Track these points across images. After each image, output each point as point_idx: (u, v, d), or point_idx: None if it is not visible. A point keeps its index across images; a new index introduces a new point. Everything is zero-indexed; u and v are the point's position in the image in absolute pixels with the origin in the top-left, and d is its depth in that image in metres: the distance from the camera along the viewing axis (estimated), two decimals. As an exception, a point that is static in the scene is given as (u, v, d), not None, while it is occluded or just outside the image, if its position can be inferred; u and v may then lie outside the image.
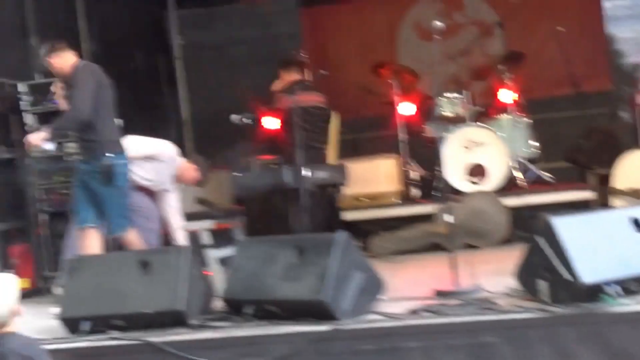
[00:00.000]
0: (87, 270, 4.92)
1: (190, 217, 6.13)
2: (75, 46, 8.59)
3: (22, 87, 7.36)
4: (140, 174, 6.13)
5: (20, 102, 7.36)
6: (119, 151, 5.60)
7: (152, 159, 6.19)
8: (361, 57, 10.43)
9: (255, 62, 10.93)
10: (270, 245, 4.70)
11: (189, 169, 6.38)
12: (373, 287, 4.51)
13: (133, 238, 5.69)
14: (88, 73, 5.57)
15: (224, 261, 5.93)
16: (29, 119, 7.36)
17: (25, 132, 7.20)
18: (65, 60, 5.68)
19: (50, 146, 5.60)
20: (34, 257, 7.29)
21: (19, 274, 6.79)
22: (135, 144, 5.98)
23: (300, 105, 7.63)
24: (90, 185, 5.55)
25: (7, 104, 7.31)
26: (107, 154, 5.48)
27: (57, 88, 5.99)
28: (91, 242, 5.64)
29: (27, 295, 6.79)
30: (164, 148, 6.37)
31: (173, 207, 6.30)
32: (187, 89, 11.19)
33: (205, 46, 11.26)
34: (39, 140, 5.49)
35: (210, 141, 10.45)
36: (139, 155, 5.98)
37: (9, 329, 3.57)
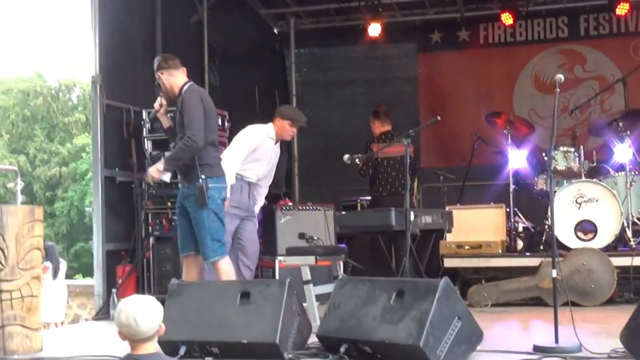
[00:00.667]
0: (187, 296, 4.98)
1: (291, 251, 6.14)
2: (199, 77, 9.04)
3: (144, 114, 7.60)
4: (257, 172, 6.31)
5: (143, 129, 7.60)
6: (216, 175, 5.57)
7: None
8: (477, 104, 10.35)
9: (369, 103, 10.98)
10: (371, 286, 4.64)
11: (284, 126, 6.45)
12: (471, 337, 4.39)
13: (226, 266, 5.62)
14: (197, 100, 5.53)
15: (321, 298, 5.91)
16: (148, 145, 7.59)
17: (144, 157, 7.46)
18: (176, 79, 5.68)
19: (167, 177, 5.63)
20: (138, 278, 7.47)
21: (121, 293, 6.99)
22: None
23: (390, 155, 7.71)
24: (188, 210, 5.57)
25: (130, 129, 7.56)
26: (202, 177, 5.46)
27: (159, 104, 5.92)
28: (190, 270, 5.67)
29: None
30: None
31: (262, 195, 6.51)
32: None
33: (320, 84, 11.44)
34: (157, 172, 5.55)
35: (318, 177, 10.56)
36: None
37: (153, 345, 3.67)
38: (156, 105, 5.77)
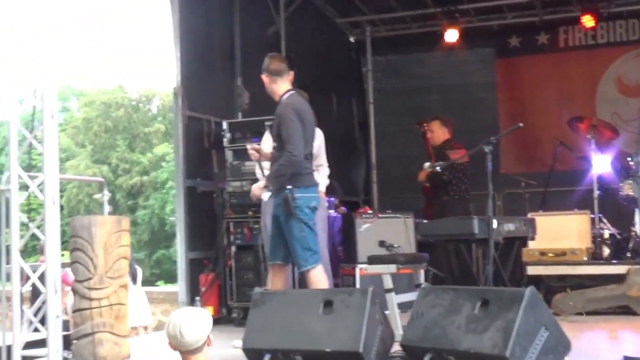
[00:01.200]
0: (271, 305, 5.01)
1: (372, 260, 6.12)
2: None
3: (225, 124, 7.70)
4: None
5: (223, 139, 7.69)
6: (305, 185, 5.52)
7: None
8: (558, 109, 10.16)
9: (446, 109, 10.90)
10: (454, 295, 4.59)
11: None
12: (558, 347, 4.29)
13: (318, 275, 5.58)
14: (292, 113, 5.47)
15: (402, 306, 5.88)
16: (228, 154, 7.68)
17: (224, 167, 7.55)
18: (278, 87, 5.62)
19: (266, 196, 5.59)
20: (220, 286, 7.55)
21: (205, 301, 7.09)
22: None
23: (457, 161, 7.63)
24: (279, 219, 5.58)
25: (211, 139, 7.67)
26: (288, 187, 5.42)
27: (255, 150, 5.94)
28: (275, 279, 5.67)
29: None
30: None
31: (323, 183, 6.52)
32: (376, 133, 11.31)
33: (397, 92, 11.40)
34: (259, 190, 5.61)
35: (396, 185, 10.52)
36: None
37: (202, 356, 3.71)
38: (251, 153, 5.74)
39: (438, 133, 8.25)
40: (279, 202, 5.48)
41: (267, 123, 6.87)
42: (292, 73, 5.68)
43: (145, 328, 10.51)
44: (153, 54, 57.89)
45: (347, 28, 11.20)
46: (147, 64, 59.93)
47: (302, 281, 6.43)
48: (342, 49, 11.21)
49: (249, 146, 5.82)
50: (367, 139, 11.29)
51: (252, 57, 8.45)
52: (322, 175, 6.58)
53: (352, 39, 11.37)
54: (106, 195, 6.16)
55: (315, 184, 5.65)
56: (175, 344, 3.69)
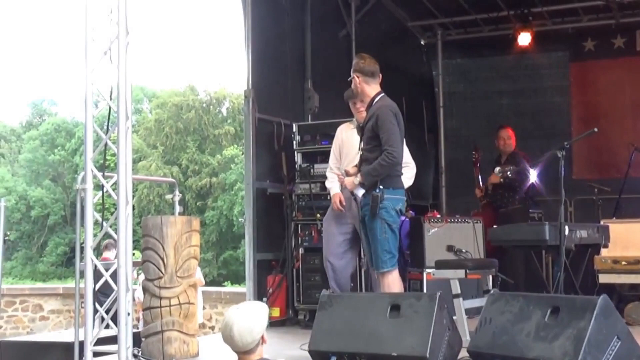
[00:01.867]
0: (337, 307, 5.03)
1: (440, 265, 6.09)
2: (347, 72, 9.13)
3: (295, 127, 7.75)
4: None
5: (293, 141, 7.75)
6: (394, 187, 5.50)
7: None
8: (633, 115, 9.95)
9: (518, 114, 10.81)
10: (524, 301, 4.53)
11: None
12: (632, 358, 4.20)
13: (394, 279, 5.55)
14: (392, 115, 5.47)
15: (470, 311, 5.83)
16: (298, 157, 7.73)
17: (294, 170, 7.61)
18: (370, 88, 5.62)
19: (361, 192, 5.52)
20: (287, 288, 7.60)
21: (272, 302, 7.14)
22: None
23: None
24: (364, 219, 5.55)
25: (281, 142, 7.73)
26: (380, 187, 5.41)
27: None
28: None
29: (276, 323, 7.12)
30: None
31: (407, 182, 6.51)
32: (445, 137, 11.24)
33: (468, 95, 11.31)
34: (353, 184, 5.51)
35: (465, 189, 10.40)
36: None
37: (256, 356, 3.70)
38: (348, 181, 5.67)
39: (512, 139, 8.31)
40: (368, 201, 5.45)
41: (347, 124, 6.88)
42: (381, 76, 5.69)
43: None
44: (224, 54, 58.68)
45: (419, 31, 11.16)
46: (218, 64, 60.72)
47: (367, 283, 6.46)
48: (412, 52, 11.17)
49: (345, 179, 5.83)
50: (437, 142, 11.23)
51: (322, 60, 8.51)
52: (407, 175, 6.56)
53: (423, 42, 11.32)
54: (177, 196, 6.29)
55: (403, 187, 5.65)
56: (228, 344, 3.69)
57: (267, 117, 7.66)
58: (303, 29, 8.39)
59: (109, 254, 10.08)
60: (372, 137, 5.51)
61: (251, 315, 3.70)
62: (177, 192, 6.53)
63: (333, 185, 6.55)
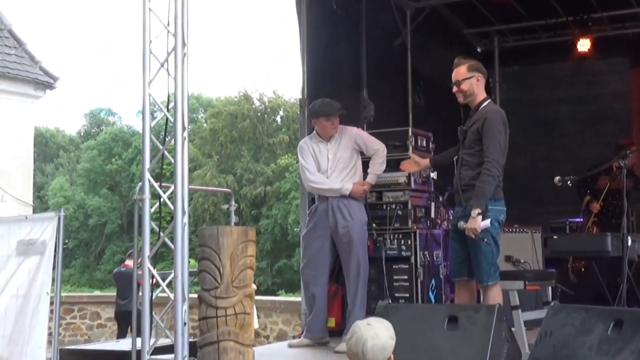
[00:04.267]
0: (394, 319, 4.97)
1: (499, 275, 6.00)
2: (404, 99, 9.12)
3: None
4: None
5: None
6: (495, 197, 5.37)
7: None
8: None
9: (576, 121, 10.65)
10: (585, 314, 4.44)
11: (321, 124, 6.71)
12: (698, 374, 4.09)
13: (498, 292, 5.43)
14: (502, 123, 5.35)
15: (528, 324, 5.74)
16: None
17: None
18: (480, 89, 5.50)
19: (487, 222, 5.27)
20: (343, 298, 7.56)
21: (328, 312, 7.12)
22: None
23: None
24: (462, 233, 5.37)
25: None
26: None
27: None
28: (462, 295, 5.58)
29: (332, 334, 7.09)
30: None
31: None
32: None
33: (525, 103, 11.18)
34: (477, 223, 5.22)
35: (523, 198, 10.26)
36: None
37: None
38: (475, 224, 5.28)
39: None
40: (469, 213, 5.29)
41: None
42: None
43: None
44: (279, 61, 59.06)
45: (475, 38, 11.07)
46: (274, 72, 61.12)
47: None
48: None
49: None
50: (494, 151, 11.14)
51: (377, 69, 8.50)
52: (378, 161, 6.74)
53: (479, 50, 11.23)
54: (233, 206, 6.31)
55: (503, 197, 5.49)
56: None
57: (323, 126, 7.68)
58: (358, 37, 8.38)
59: (131, 262, 10.17)
60: (475, 141, 5.40)
61: (384, 333, 3.55)
62: (233, 202, 6.56)
63: (341, 185, 6.57)
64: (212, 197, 33.93)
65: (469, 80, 5.47)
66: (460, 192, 5.44)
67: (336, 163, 6.61)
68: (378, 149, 6.72)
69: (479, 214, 5.21)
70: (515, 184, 10.77)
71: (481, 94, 5.51)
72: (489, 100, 5.53)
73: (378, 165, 6.74)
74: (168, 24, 4.88)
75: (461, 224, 5.31)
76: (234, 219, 6.47)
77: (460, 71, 5.50)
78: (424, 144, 7.54)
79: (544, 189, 8.34)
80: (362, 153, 6.79)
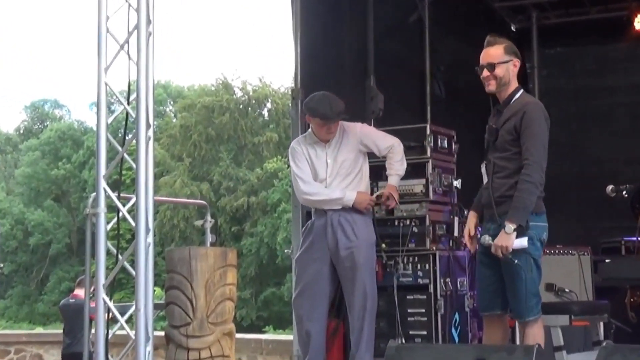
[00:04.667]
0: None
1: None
2: (420, 88, 9.14)
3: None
4: None
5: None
6: (537, 211, 5.34)
7: None
8: None
9: (634, 115, 10.68)
10: (645, 357, 4.46)
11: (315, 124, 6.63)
12: None
13: (540, 329, 5.39)
14: (544, 119, 5.34)
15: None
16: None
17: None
18: (513, 77, 5.46)
19: (524, 242, 5.19)
20: (345, 336, 7.56)
21: (326, 353, 7.13)
22: None
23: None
24: (495, 255, 5.28)
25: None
26: None
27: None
28: (493, 333, 5.53)
29: None
30: None
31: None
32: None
33: (570, 93, 11.23)
34: (509, 240, 5.15)
35: (567, 211, 10.26)
36: None
37: None
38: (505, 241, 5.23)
39: None
40: (498, 231, 5.25)
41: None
42: None
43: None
44: (266, 44, 59.24)
45: (508, 14, 11.10)
46: (259, 55, 61.20)
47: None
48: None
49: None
50: (531, 152, 11.16)
51: (387, 51, 8.50)
52: (396, 158, 6.70)
53: (513, 28, 11.26)
54: (209, 221, 6.33)
55: (545, 211, 5.44)
56: None
57: (320, 122, 7.70)
58: (364, 13, 8.39)
59: (81, 292, 10.13)
60: (511, 142, 5.33)
61: None
62: (208, 217, 6.57)
63: (343, 193, 6.52)
64: (183, 211, 33.95)
65: (505, 65, 5.44)
66: (494, 206, 5.38)
67: (337, 169, 6.57)
68: (392, 145, 6.67)
69: (514, 229, 5.17)
70: (556, 194, 10.71)
71: (514, 83, 5.51)
72: (522, 90, 5.53)
73: (398, 164, 6.67)
74: (129, -3, 4.90)
75: (486, 238, 5.29)
76: (209, 237, 6.48)
77: (496, 52, 5.47)
78: (445, 144, 7.55)
79: (594, 200, 8.36)
80: (369, 155, 6.76)
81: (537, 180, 5.23)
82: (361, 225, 6.53)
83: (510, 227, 5.16)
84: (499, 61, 5.42)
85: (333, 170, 6.55)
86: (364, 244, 6.51)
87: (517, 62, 5.47)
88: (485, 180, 5.56)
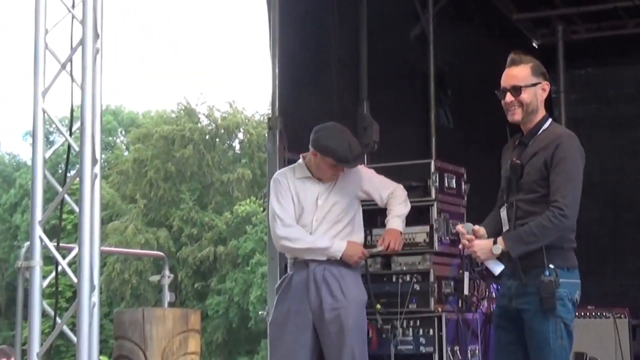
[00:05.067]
0: None
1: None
2: (423, 115, 9.17)
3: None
4: None
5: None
6: (570, 265, 5.31)
7: None
8: None
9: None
10: None
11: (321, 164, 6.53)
12: None
13: None
14: (580, 154, 5.32)
15: None
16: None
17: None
18: (541, 103, 5.44)
19: (499, 268, 5.32)
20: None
21: None
22: None
23: None
24: (517, 318, 5.31)
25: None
26: (550, 266, 5.17)
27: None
28: None
29: None
30: None
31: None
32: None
33: (603, 121, 11.37)
34: (489, 253, 5.26)
35: (600, 263, 10.32)
36: None
37: None
38: (481, 246, 5.38)
39: None
40: (531, 290, 5.22)
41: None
42: None
43: None
44: (239, 62, 59.30)
45: (529, 27, 11.20)
46: (230, 78, 61.35)
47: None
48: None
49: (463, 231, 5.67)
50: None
51: (384, 73, 8.55)
52: (399, 200, 6.69)
53: (535, 44, 11.36)
54: (167, 277, 6.32)
55: (577, 265, 5.40)
56: None
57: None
58: (356, 26, 8.45)
59: None
60: (540, 181, 5.30)
61: None
62: (166, 272, 6.56)
63: (331, 242, 6.46)
64: (136, 263, 33.88)
65: (532, 89, 5.42)
66: (517, 259, 5.40)
67: (326, 212, 6.56)
68: (393, 189, 6.68)
69: (502, 252, 5.22)
70: (588, 243, 10.80)
71: (542, 111, 5.51)
72: (551, 119, 5.53)
73: (401, 206, 6.65)
74: (73, 6, 4.92)
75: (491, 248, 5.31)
76: (168, 296, 6.47)
77: (522, 73, 5.45)
78: (454, 184, 7.57)
79: (632, 251, 8.39)
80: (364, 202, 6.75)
81: (565, 225, 5.20)
82: (350, 282, 6.49)
83: (498, 247, 5.22)
84: (525, 84, 5.39)
85: (322, 212, 6.50)
86: (354, 304, 6.47)
87: (547, 86, 5.46)
88: (505, 227, 5.54)
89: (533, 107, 5.40)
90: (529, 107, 5.38)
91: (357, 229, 6.61)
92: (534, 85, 5.39)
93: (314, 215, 6.50)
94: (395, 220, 6.61)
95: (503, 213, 5.51)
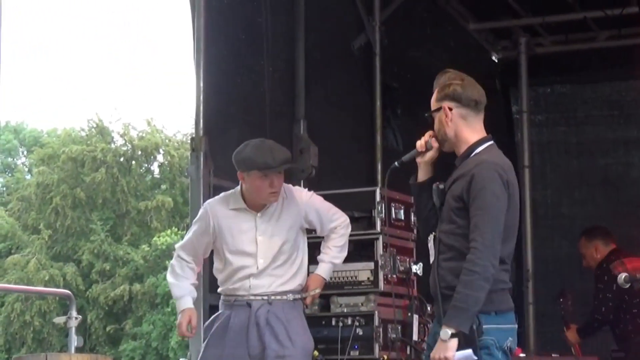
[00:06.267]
0: None
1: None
2: (368, 137, 9.19)
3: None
4: None
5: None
6: (499, 309, 5.27)
7: None
8: None
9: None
10: None
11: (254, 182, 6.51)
12: None
13: None
14: (500, 184, 5.22)
15: None
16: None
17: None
18: (469, 127, 5.45)
19: (466, 355, 5.17)
20: None
21: None
22: None
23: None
24: None
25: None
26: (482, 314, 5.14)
27: (425, 143, 5.93)
28: None
29: None
30: None
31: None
32: (533, 219, 11.20)
33: (572, 147, 11.43)
34: (448, 351, 5.12)
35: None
36: None
37: None
38: (420, 143, 5.50)
39: (587, 254, 8.88)
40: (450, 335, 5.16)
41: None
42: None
43: None
44: (158, 74, 59.10)
45: (488, 39, 11.28)
46: (148, 91, 61.24)
47: None
48: (478, 74, 11.27)
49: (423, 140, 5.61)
50: (521, 229, 11.25)
51: (324, 88, 8.58)
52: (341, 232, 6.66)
53: (495, 58, 11.44)
54: (75, 318, 6.31)
55: (512, 307, 5.37)
56: None
57: (229, 183, 7.68)
58: (293, 34, 8.47)
59: None
60: (457, 212, 5.28)
61: None
62: (74, 313, 6.55)
63: (181, 292, 6.54)
64: (39, 303, 33.61)
65: (437, 115, 5.44)
66: (440, 301, 5.43)
67: (268, 250, 6.48)
68: (338, 225, 6.64)
69: (453, 335, 5.12)
70: (554, 284, 10.90)
71: (471, 135, 5.50)
72: (488, 143, 5.49)
73: (336, 250, 6.60)
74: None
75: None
76: (75, 340, 6.45)
77: (433, 99, 5.50)
78: (402, 215, 7.60)
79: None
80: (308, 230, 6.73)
81: (486, 271, 5.12)
82: (297, 327, 6.43)
83: (447, 332, 5.13)
84: (433, 111, 5.47)
85: (268, 251, 6.47)
86: (301, 352, 6.46)
87: (449, 106, 5.47)
88: (431, 259, 5.57)
89: (442, 135, 5.42)
90: (438, 136, 5.44)
91: (303, 267, 6.53)
92: (437, 110, 5.42)
93: (256, 253, 6.44)
94: (327, 267, 6.61)
95: (430, 243, 5.54)
